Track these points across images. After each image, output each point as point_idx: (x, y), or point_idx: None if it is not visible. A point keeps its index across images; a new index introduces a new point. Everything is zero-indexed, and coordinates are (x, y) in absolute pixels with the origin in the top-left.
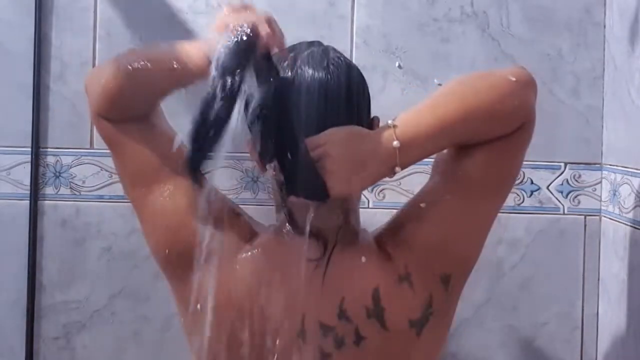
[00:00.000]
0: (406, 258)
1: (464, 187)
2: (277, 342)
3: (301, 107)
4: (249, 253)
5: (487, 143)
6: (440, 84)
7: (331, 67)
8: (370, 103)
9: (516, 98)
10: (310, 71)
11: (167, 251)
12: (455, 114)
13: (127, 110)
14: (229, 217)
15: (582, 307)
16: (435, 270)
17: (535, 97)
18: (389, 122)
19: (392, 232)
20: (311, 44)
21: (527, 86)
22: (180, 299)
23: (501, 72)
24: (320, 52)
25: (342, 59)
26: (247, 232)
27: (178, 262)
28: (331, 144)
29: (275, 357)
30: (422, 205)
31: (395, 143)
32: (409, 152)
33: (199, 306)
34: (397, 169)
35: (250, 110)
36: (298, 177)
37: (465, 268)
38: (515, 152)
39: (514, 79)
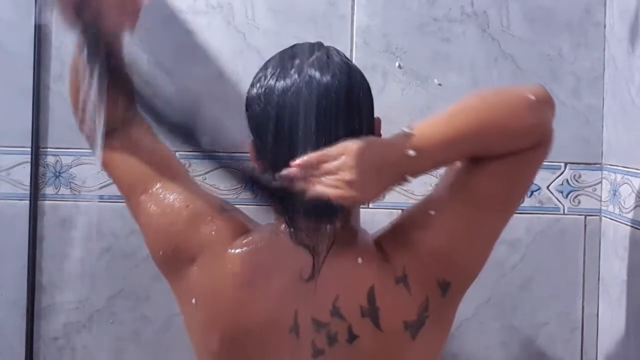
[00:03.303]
0: (405, 260)
1: (473, 198)
2: (270, 337)
3: (309, 112)
4: (241, 249)
5: (501, 158)
6: (440, 84)
7: (337, 71)
8: (373, 104)
9: (532, 116)
10: (318, 76)
11: (161, 252)
12: (470, 126)
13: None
14: (218, 214)
15: (582, 307)
16: (434, 275)
17: (552, 116)
18: (405, 129)
19: (393, 234)
20: (313, 46)
21: (545, 105)
22: (178, 296)
23: (520, 89)
24: (326, 57)
25: (345, 62)
26: (239, 229)
27: (173, 260)
28: (348, 155)
29: (268, 352)
30: (432, 212)
31: (410, 152)
32: (422, 162)
33: (194, 300)
34: (409, 177)
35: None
36: (302, 204)
37: (466, 278)
38: (528, 169)
39: (532, 97)
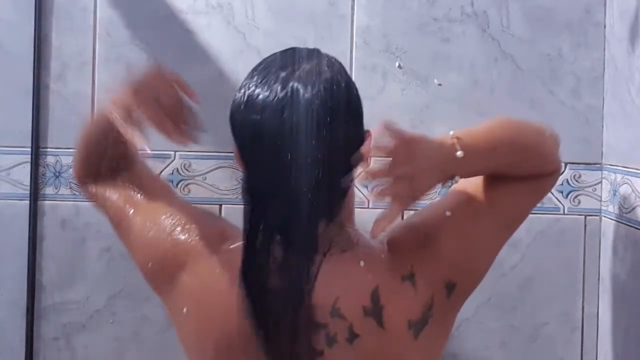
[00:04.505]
0: (414, 259)
1: (491, 210)
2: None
3: (288, 126)
4: (229, 254)
5: (524, 179)
6: (440, 84)
7: (321, 87)
8: (363, 118)
9: (554, 147)
10: (301, 91)
11: (150, 264)
12: (509, 140)
13: (93, 161)
14: (204, 222)
15: (582, 307)
16: (442, 275)
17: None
18: (451, 133)
19: (403, 233)
20: (309, 55)
21: (557, 141)
22: (169, 308)
23: (536, 123)
24: (315, 70)
25: (334, 77)
26: (227, 235)
27: (162, 271)
28: (406, 153)
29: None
30: (448, 213)
31: (459, 153)
32: (466, 165)
33: (185, 309)
34: (457, 178)
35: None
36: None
37: (472, 282)
38: (542, 193)
39: (547, 130)
